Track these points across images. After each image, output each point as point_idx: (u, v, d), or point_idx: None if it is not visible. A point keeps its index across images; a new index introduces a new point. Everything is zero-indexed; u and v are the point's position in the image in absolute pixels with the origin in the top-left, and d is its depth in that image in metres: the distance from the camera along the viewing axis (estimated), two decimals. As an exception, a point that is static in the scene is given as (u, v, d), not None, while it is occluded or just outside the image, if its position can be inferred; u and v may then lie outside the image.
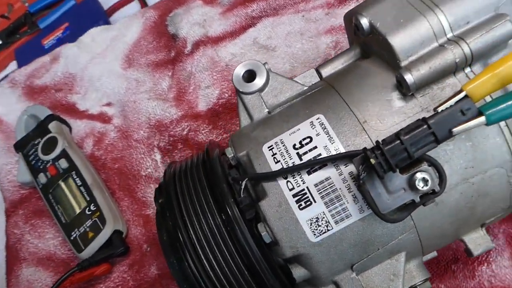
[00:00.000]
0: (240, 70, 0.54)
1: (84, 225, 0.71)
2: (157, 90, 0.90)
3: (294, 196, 0.44)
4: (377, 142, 0.39)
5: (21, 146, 0.84)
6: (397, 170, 0.40)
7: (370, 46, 0.51)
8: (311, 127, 0.47)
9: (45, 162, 0.79)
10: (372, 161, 0.38)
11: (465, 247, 0.50)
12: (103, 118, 0.89)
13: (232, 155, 0.50)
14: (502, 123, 0.43)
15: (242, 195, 0.46)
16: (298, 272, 0.46)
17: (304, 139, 0.46)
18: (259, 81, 0.53)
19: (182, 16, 0.95)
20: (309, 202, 0.44)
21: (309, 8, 0.89)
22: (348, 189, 0.44)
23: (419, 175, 0.40)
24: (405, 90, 0.44)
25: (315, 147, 0.45)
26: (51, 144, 0.80)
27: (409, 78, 0.42)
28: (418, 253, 0.48)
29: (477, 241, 0.49)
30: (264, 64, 0.54)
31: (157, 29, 0.97)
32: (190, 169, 0.51)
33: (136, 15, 1.01)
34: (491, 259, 0.59)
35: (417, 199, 0.41)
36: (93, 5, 1.07)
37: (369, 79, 0.48)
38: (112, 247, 0.70)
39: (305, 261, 0.45)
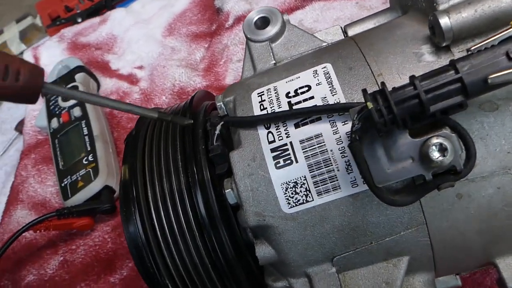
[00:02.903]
0: (253, 16, 0.47)
1: (77, 173, 0.67)
2: (190, 60, 0.86)
3: (273, 150, 0.35)
4: (382, 83, 0.29)
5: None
6: (406, 129, 0.30)
7: (407, 0, 0.41)
8: (314, 75, 0.38)
9: (61, 108, 0.77)
10: (369, 105, 0.28)
11: (497, 275, 0.37)
12: (131, 79, 0.87)
13: (221, 103, 0.42)
14: None
15: (215, 143, 0.38)
16: (263, 251, 0.36)
17: (301, 87, 0.37)
18: (271, 29, 0.45)
19: (232, -9, 0.91)
20: (289, 161, 0.35)
21: (367, -4, 0.80)
22: (342, 153, 0.34)
23: (434, 141, 0.29)
24: (438, 40, 0.33)
25: (312, 97, 0.36)
26: (72, 92, 0.78)
27: (445, 21, 0.32)
28: (429, 266, 0.36)
29: (515, 268, 0.36)
30: (282, 13, 0.47)
31: (205, 2, 0.94)
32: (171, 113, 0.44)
33: (189, -12, 0.99)
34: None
35: (429, 176, 0.30)
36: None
37: (398, 30, 0.38)
38: (99, 202, 0.65)
39: (273, 237, 0.35)
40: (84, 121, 0.73)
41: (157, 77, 0.84)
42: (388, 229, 0.34)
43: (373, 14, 0.47)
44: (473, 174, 0.32)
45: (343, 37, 0.46)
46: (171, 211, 0.37)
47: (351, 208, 0.34)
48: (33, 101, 0.32)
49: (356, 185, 0.33)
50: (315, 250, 0.35)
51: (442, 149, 0.29)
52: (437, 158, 0.29)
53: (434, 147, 0.29)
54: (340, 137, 0.34)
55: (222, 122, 0.38)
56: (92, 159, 0.68)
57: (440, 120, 0.29)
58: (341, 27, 0.47)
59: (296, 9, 0.84)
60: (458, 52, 0.34)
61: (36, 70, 0.28)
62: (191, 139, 0.39)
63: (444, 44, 0.33)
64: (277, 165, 0.35)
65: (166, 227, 0.37)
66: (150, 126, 0.43)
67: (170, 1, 0.98)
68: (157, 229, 0.37)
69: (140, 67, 0.88)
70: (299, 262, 0.36)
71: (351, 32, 0.46)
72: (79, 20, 1.08)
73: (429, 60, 0.34)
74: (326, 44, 0.44)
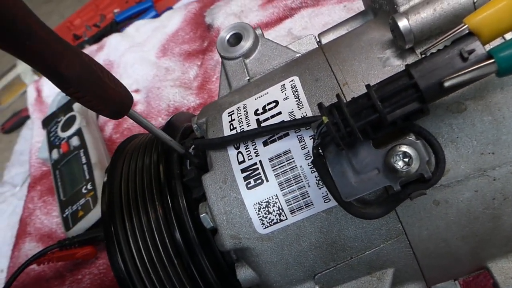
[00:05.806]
0: (225, 33, 0.47)
1: (78, 203, 0.68)
2: (184, 79, 0.86)
3: (243, 171, 0.35)
4: (337, 96, 0.28)
5: (47, 123, 0.85)
6: (369, 140, 0.29)
7: (376, 2, 0.40)
8: (281, 90, 0.37)
9: (61, 138, 0.79)
10: (325, 119, 0.28)
11: (492, 280, 0.35)
12: (128, 103, 0.88)
13: (196, 125, 0.42)
14: (544, 92, 0.29)
15: (189, 167, 0.38)
16: (244, 273, 0.35)
17: (269, 103, 0.37)
18: (244, 45, 0.45)
19: (221, 8, 0.92)
20: (259, 180, 0.34)
21: (354, -3, 0.79)
22: (311, 168, 0.33)
23: (398, 149, 0.28)
24: (401, 43, 0.32)
25: (279, 113, 0.35)
26: (71, 122, 0.80)
27: (403, 24, 0.31)
28: (416, 276, 0.35)
29: (508, 272, 0.34)
30: (255, 28, 0.46)
31: (196, 20, 0.95)
32: (148, 140, 0.44)
33: (180, 8, 1.00)
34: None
35: (397, 187, 0.28)
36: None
37: (365, 35, 0.37)
38: (99, 230, 0.65)
39: (251, 258, 0.35)
40: (82, 150, 0.74)
41: (152, 99, 0.85)
42: (366, 242, 0.33)
43: (346, 19, 0.46)
44: (447, 179, 0.31)
45: (316, 46, 0.45)
46: (149, 242, 0.36)
47: (326, 223, 0.33)
48: (118, 117, 0.33)
49: (328, 200, 0.32)
50: (295, 269, 0.34)
51: (406, 157, 0.28)
52: (402, 167, 0.28)
53: (398, 157, 0.28)
54: (309, 151, 0.33)
55: (192, 146, 0.38)
56: (91, 187, 0.69)
57: (403, 127, 0.28)
58: (315, 36, 0.46)
59: (285, 18, 0.84)
60: (422, 53, 0.32)
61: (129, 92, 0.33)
62: (165, 165, 0.39)
63: (407, 47, 0.32)
64: (248, 186, 0.34)
65: (146, 258, 0.37)
66: (127, 156, 0.43)
67: (163, 22, 0.99)
68: (137, 261, 0.37)
69: (137, 91, 0.89)
70: (281, 282, 0.35)
71: (325, 40, 0.45)
72: (87, 46, 1.11)
73: (394, 64, 0.33)
74: (299, 55, 0.44)
